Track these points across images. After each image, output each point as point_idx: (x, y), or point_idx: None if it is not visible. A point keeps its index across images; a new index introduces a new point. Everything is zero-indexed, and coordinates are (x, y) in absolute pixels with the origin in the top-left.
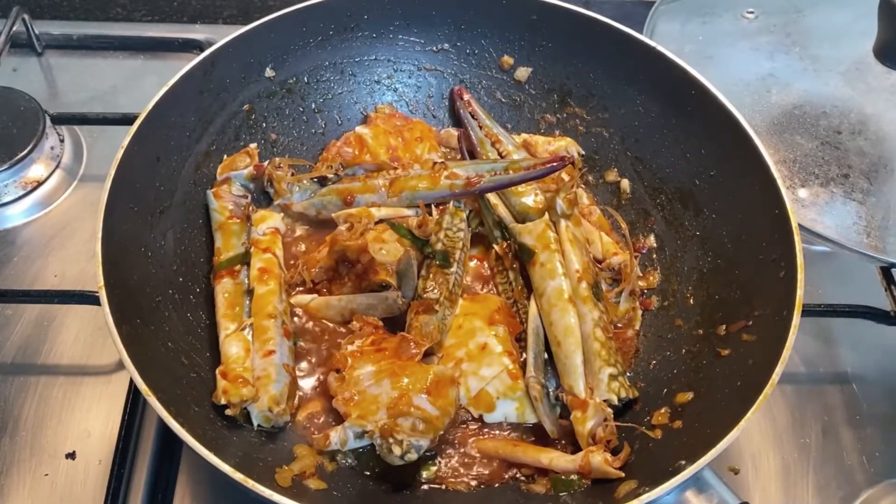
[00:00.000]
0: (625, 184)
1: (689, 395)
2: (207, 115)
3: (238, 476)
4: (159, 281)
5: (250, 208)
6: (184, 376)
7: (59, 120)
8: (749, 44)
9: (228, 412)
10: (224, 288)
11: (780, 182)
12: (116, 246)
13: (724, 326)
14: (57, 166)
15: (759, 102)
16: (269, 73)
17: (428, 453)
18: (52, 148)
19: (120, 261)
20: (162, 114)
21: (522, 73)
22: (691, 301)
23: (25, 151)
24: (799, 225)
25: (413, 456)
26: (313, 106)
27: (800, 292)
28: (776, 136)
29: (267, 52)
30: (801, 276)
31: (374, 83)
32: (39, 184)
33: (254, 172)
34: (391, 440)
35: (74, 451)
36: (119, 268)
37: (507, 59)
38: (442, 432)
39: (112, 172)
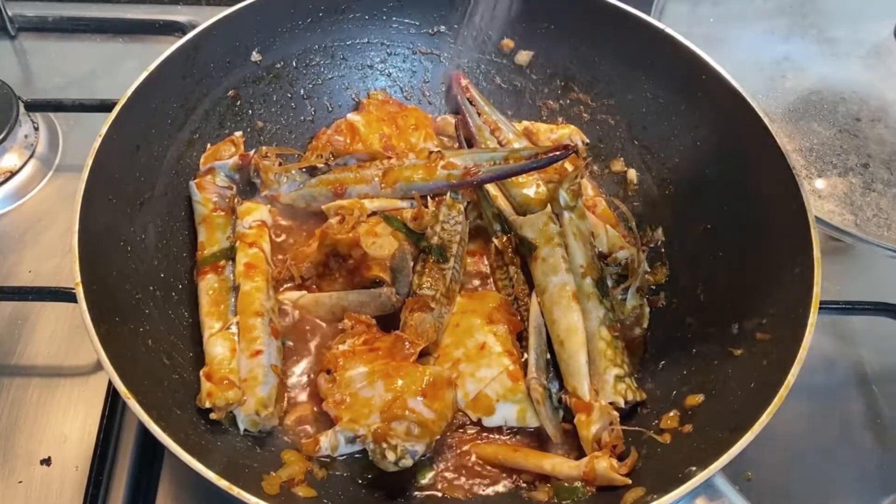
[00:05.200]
0: (632, 174)
1: (700, 398)
2: (190, 101)
3: (223, 483)
4: (139, 277)
5: (235, 200)
6: (166, 378)
7: (33, 107)
8: (763, 26)
9: (213, 416)
10: (208, 284)
11: (796, 172)
12: (94, 240)
13: (736, 325)
14: (31, 156)
15: (774, 88)
16: (255, 57)
17: (423, 459)
18: (25, 136)
19: (98, 256)
20: (142, 100)
21: (523, 56)
22: (702, 298)
23: None
24: (816, 217)
25: (408, 462)
26: (302, 92)
27: (817, 289)
28: (792, 124)
29: (253, 34)
30: (818, 271)
31: (366, 68)
32: (12, 174)
33: (239, 162)
34: (385, 445)
35: (50, 457)
36: (97, 263)
37: (508, 42)
38: (438, 437)
39: (89, 162)
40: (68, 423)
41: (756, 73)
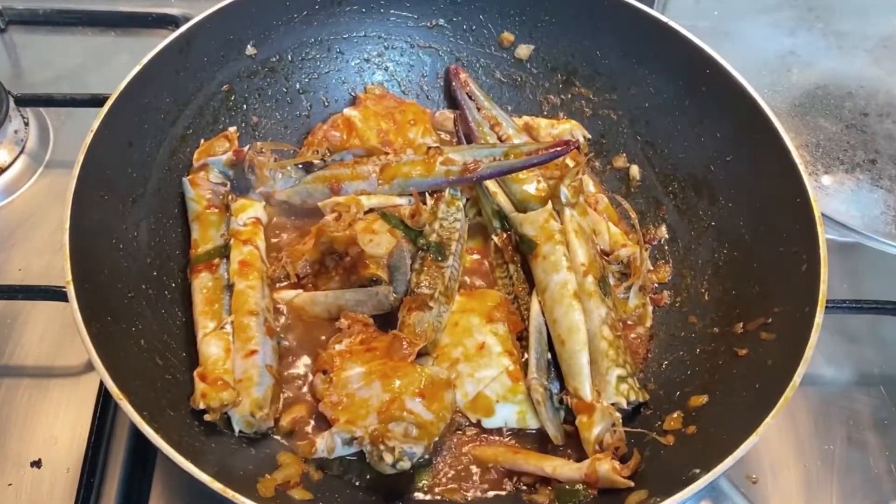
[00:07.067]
0: (634, 170)
1: (704, 399)
2: (184, 96)
3: (217, 486)
4: (132, 275)
5: (230, 197)
6: (158, 378)
7: (23, 101)
8: (768, 19)
9: (207, 417)
10: (202, 283)
11: (801, 168)
12: (85, 237)
13: (741, 324)
14: (21, 151)
15: (780, 82)
16: (250, 50)
17: (422, 461)
18: (15, 132)
19: (89, 254)
20: (134, 95)
21: (524, 50)
22: (706, 297)
23: None
24: (822, 214)
25: (406, 464)
26: (298, 86)
27: (823, 287)
28: (798, 119)
29: (248, 28)
30: (824, 269)
31: (363, 61)
32: (2, 170)
33: (233, 158)
34: (382, 447)
35: (40, 459)
36: (88, 261)
37: (508, 36)
38: (437, 439)
39: (81, 158)
40: (59, 425)
41: (761, 68)
